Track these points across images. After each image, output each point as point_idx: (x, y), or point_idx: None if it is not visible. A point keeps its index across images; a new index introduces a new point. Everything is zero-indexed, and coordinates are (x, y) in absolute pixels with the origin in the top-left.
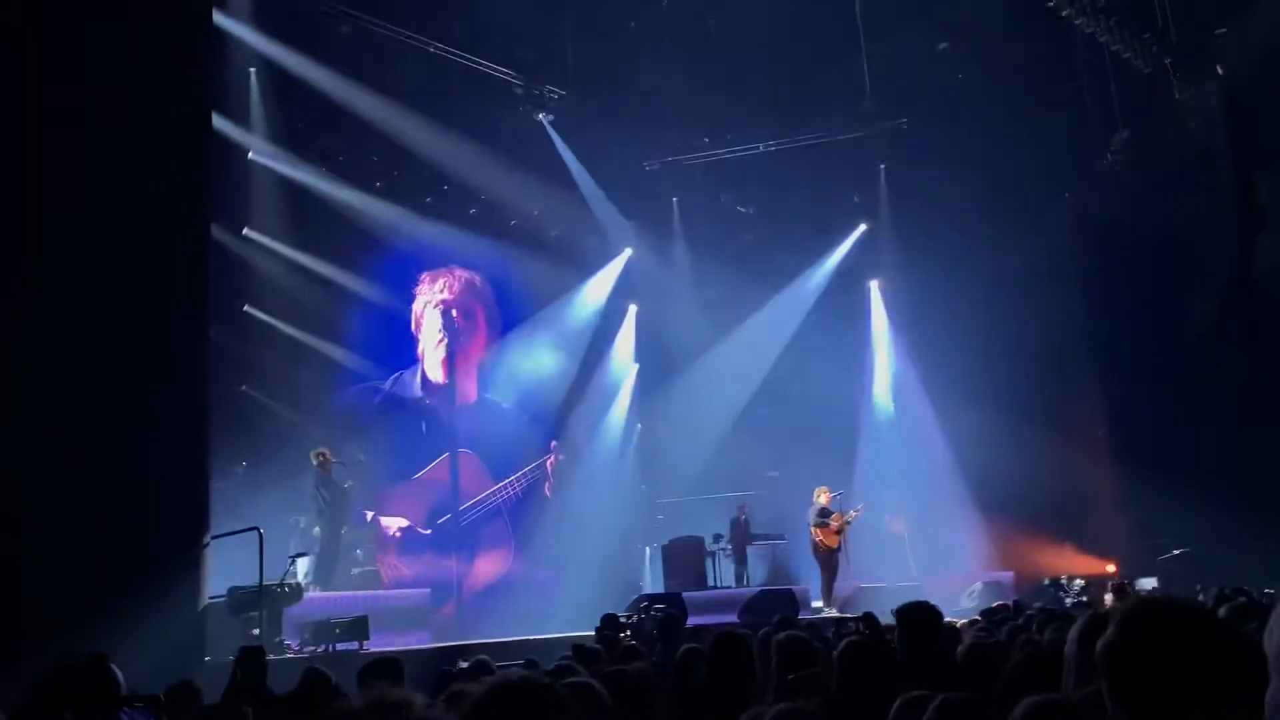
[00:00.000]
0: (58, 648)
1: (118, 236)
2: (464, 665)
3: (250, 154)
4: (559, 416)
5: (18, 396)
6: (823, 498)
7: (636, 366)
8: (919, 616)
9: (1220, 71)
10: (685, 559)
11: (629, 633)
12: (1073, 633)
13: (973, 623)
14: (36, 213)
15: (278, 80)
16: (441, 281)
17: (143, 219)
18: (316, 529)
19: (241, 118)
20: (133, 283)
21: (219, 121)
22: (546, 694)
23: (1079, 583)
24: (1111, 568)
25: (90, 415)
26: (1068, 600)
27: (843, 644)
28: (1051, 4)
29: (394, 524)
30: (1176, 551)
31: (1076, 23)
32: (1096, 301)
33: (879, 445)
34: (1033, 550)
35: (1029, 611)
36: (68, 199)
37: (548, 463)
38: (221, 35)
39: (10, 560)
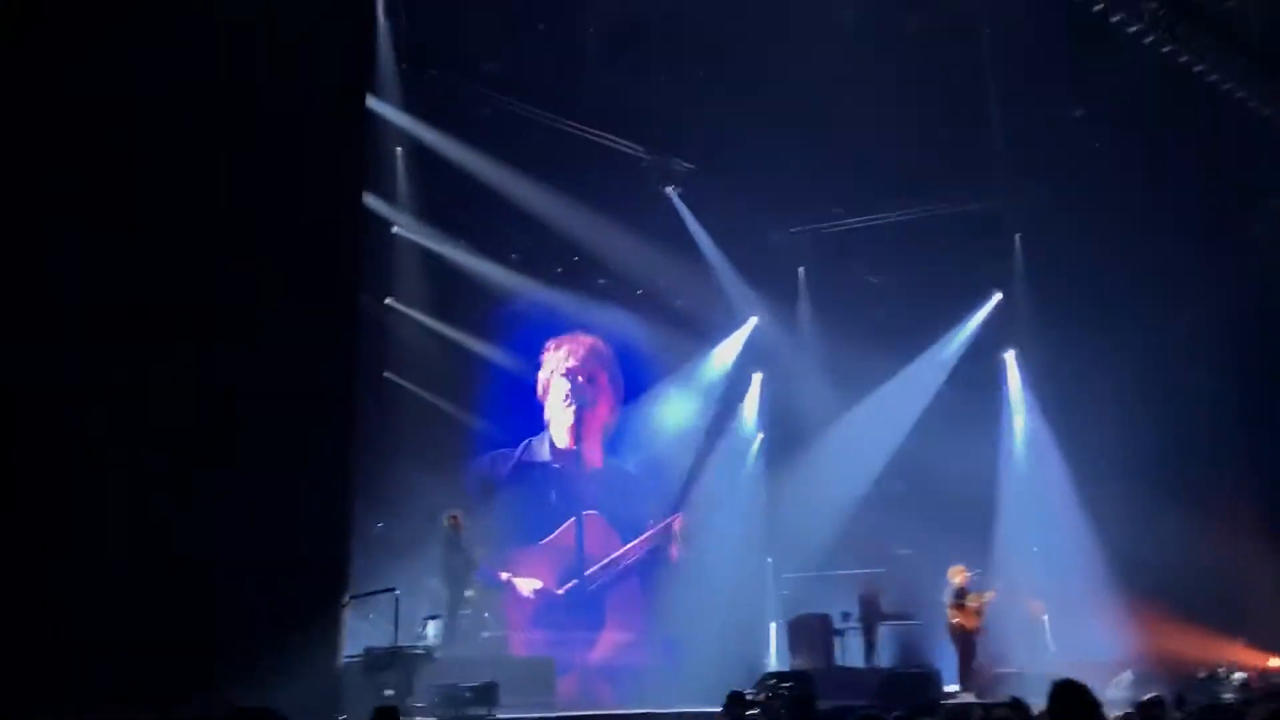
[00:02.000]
0: (199, 700)
1: (282, 303)
2: None
3: (395, 228)
4: (685, 483)
5: (181, 443)
6: (959, 578)
7: (761, 435)
8: (1076, 697)
9: None
10: (812, 636)
11: (758, 711)
12: None
13: (1126, 716)
14: (208, 271)
15: (422, 158)
16: (566, 348)
17: (303, 285)
18: (444, 594)
19: (388, 194)
20: (292, 348)
21: (367, 198)
22: None
23: (1239, 676)
24: (1276, 661)
25: (246, 470)
26: (1226, 695)
27: None
28: (1198, 69)
29: (528, 586)
30: None
31: (1224, 88)
32: (1251, 377)
33: (1016, 524)
34: (1185, 641)
35: (1189, 706)
36: (239, 266)
37: (674, 524)
38: (372, 116)
39: (156, 606)
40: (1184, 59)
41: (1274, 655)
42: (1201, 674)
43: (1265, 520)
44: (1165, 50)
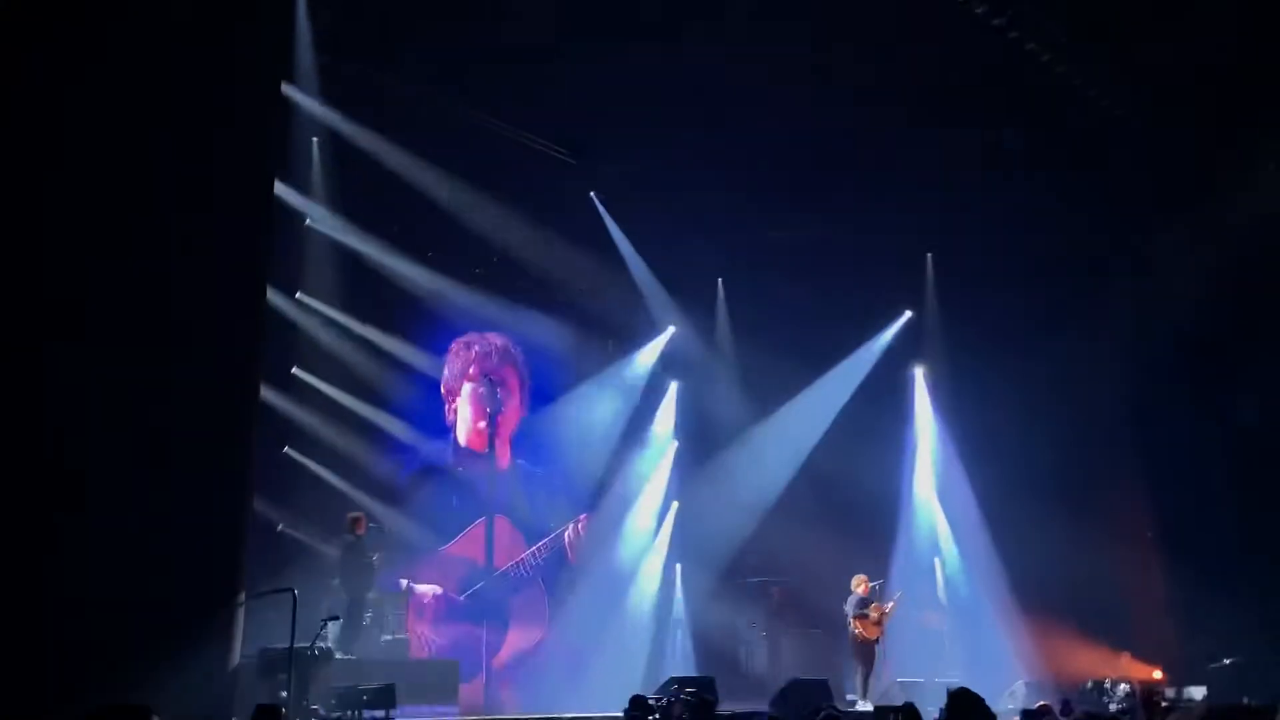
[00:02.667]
0: (90, 699)
1: (177, 291)
2: None
3: (308, 220)
4: (596, 488)
5: (78, 437)
6: (861, 588)
7: (675, 444)
8: (971, 705)
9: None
10: (717, 643)
11: (657, 716)
12: None
13: None
14: (87, 260)
15: (339, 152)
16: (476, 349)
17: (202, 276)
18: (343, 595)
19: (302, 185)
20: (196, 340)
21: (280, 188)
22: None
23: (1124, 687)
24: (1159, 674)
25: (134, 468)
26: (1111, 706)
27: None
28: (1092, 93)
29: (428, 590)
30: (1227, 661)
31: (1115, 113)
32: (1148, 398)
33: (918, 536)
34: (1076, 653)
35: (1075, 715)
36: (146, 256)
37: (565, 534)
38: (288, 105)
39: (46, 608)
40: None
41: (1157, 668)
42: (1089, 685)
43: (1155, 540)
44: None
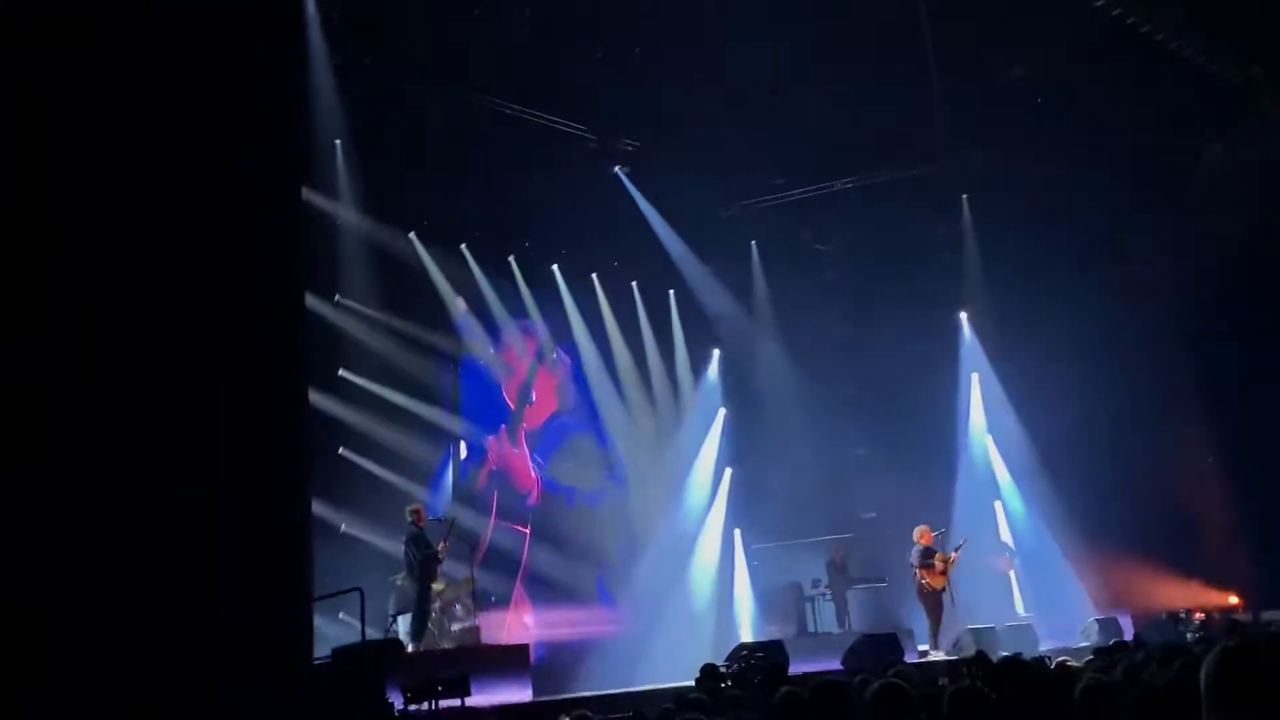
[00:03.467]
0: (167, 712)
1: (219, 306)
2: None
3: (339, 221)
4: (647, 464)
5: (132, 446)
6: (924, 538)
7: (723, 411)
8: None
9: None
10: (784, 605)
11: (730, 682)
12: (1207, 666)
13: (1089, 662)
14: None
15: (362, 149)
16: (518, 347)
17: (241, 286)
18: (411, 588)
19: (329, 188)
20: (235, 351)
21: (310, 193)
22: None
23: (1199, 616)
24: (1235, 599)
25: (193, 484)
26: (1187, 635)
27: (950, 691)
28: (1131, 20)
29: None
30: None
31: (1158, 38)
32: (1202, 320)
33: (978, 481)
34: (1147, 585)
35: (1148, 649)
36: (170, 269)
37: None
38: (309, 108)
39: (113, 626)
40: (1116, 12)
41: (1230, 593)
42: (1163, 616)
43: (1219, 463)
44: (1099, 4)
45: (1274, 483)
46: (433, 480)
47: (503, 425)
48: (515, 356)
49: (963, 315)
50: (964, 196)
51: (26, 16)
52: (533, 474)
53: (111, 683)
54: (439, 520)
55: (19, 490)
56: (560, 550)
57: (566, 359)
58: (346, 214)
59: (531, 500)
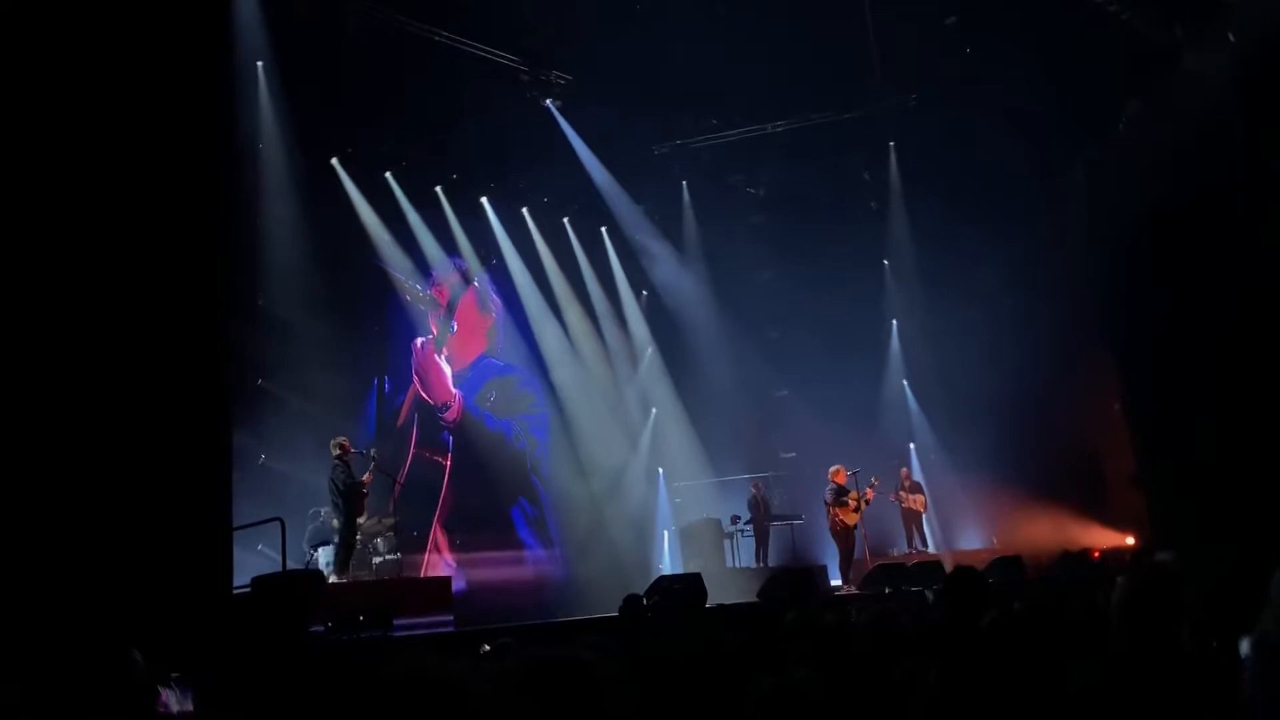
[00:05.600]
0: (84, 641)
1: (136, 230)
2: (487, 648)
3: (260, 145)
4: (576, 400)
5: (37, 389)
6: (839, 477)
7: (650, 350)
8: (970, 581)
9: (1233, 39)
10: (703, 541)
11: (650, 614)
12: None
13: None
14: (40, 209)
15: (286, 74)
16: (446, 281)
17: (174, 202)
18: (335, 520)
19: (250, 111)
20: (155, 282)
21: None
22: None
23: (1096, 555)
24: (1131, 540)
25: (108, 411)
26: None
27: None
28: None
29: None
30: None
31: None
32: (1113, 273)
33: (895, 423)
34: (1051, 525)
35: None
36: (84, 193)
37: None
38: (232, 29)
39: (34, 558)
40: None
41: (1129, 534)
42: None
43: (1123, 409)
44: None
45: (1173, 428)
46: (358, 414)
47: (432, 335)
48: (444, 291)
49: (885, 262)
50: (891, 144)
51: None
52: (452, 390)
53: (37, 614)
54: (363, 454)
55: None
56: (480, 485)
57: (498, 301)
58: (269, 139)
59: (451, 415)
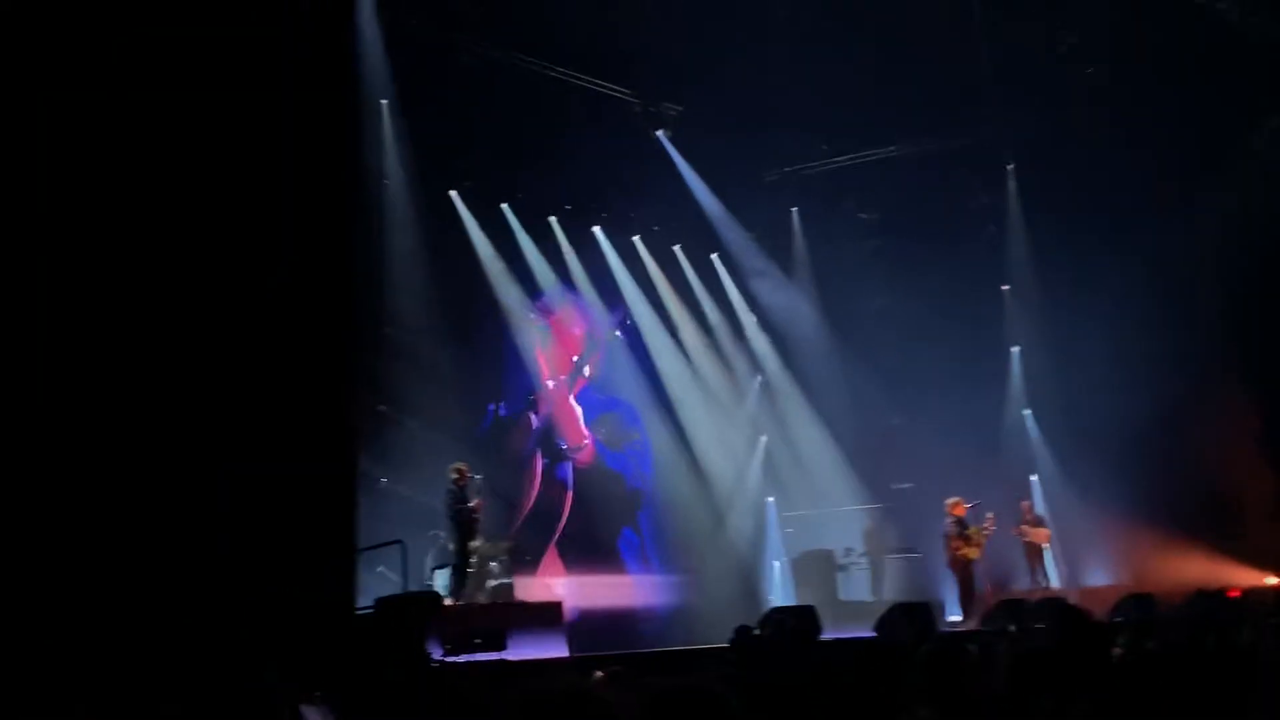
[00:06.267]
0: (208, 664)
1: (273, 262)
2: (600, 675)
3: (385, 180)
4: (680, 431)
5: (178, 415)
6: (957, 510)
7: (759, 378)
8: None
9: None
10: (815, 572)
11: (763, 645)
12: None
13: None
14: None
15: (408, 111)
16: (563, 314)
17: (297, 245)
18: (450, 544)
19: (376, 148)
20: (282, 310)
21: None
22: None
23: (1235, 594)
24: (1273, 579)
25: (242, 436)
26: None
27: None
28: None
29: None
30: None
31: (1215, 8)
32: (1249, 295)
33: (1016, 454)
34: (1184, 562)
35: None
36: (225, 229)
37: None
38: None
39: (173, 582)
40: None
41: (1271, 573)
42: (1197, 594)
43: (1262, 436)
44: None
45: None
46: (474, 438)
47: (562, 377)
48: (560, 323)
49: (1005, 288)
50: (1009, 167)
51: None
52: (585, 432)
53: (169, 632)
54: (476, 479)
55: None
56: (593, 514)
57: (613, 321)
58: (393, 175)
59: (584, 457)
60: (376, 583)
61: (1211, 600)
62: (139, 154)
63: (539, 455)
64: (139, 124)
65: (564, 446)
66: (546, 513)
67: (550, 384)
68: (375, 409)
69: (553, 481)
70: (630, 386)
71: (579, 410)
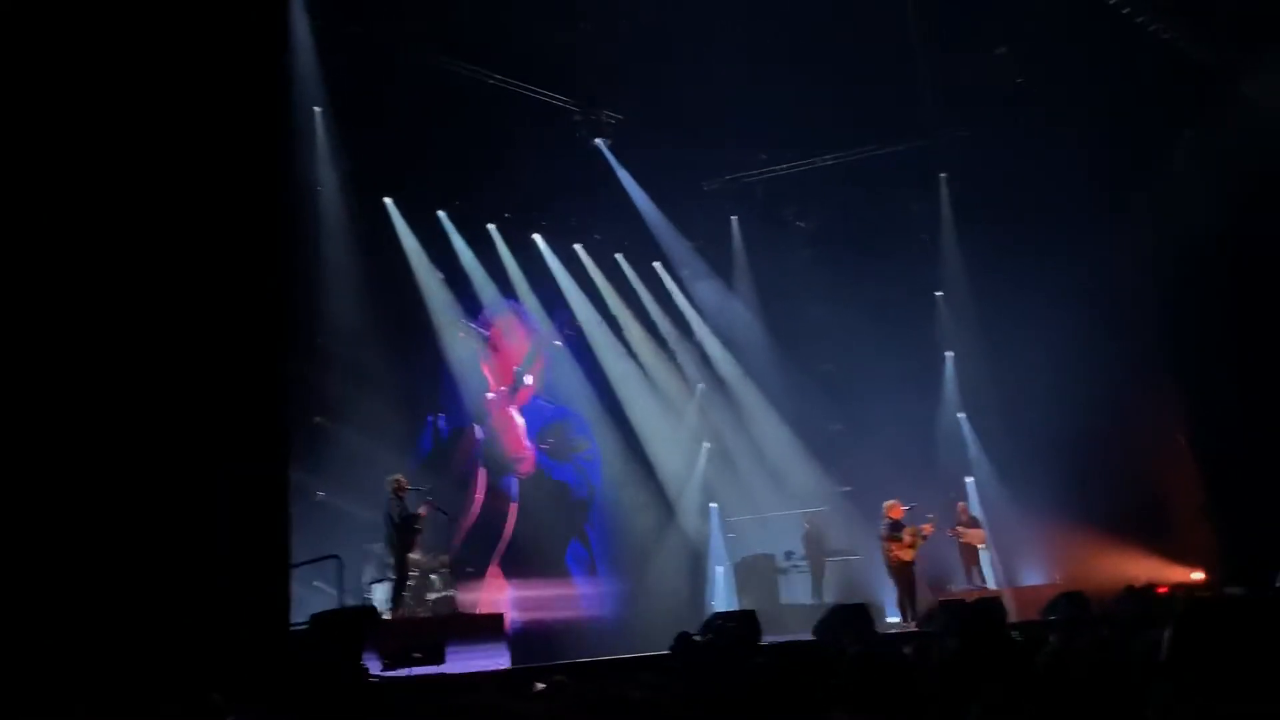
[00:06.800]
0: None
1: (202, 273)
2: (541, 686)
3: (319, 188)
4: (623, 441)
5: (99, 426)
6: (894, 512)
7: (701, 385)
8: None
9: None
10: (757, 577)
11: (703, 652)
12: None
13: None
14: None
15: (342, 118)
16: (503, 324)
17: (222, 255)
18: (389, 556)
19: (309, 156)
20: (215, 317)
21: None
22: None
23: (1163, 590)
24: (1199, 575)
25: (170, 449)
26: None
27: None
28: (1114, 0)
29: None
30: None
31: (1140, 19)
32: (1176, 302)
33: (950, 456)
34: (1115, 560)
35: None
36: (149, 238)
37: None
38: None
39: (99, 597)
40: None
41: (1195, 569)
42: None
43: (1189, 441)
44: None
45: (1241, 460)
46: (413, 450)
47: (502, 388)
48: (500, 334)
49: (938, 294)
50: (942, 175)
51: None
52: (525, 443)
53: (97, 650)
54: (418, 490)
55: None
56: (536, 524)
57: (553, 331)
58: (326, 182)
59: (525, 468)
60: (313, 598)
61: (1141, 597)
62: (73, 158)
63: (481, 468)
64: (70, 129)
65: (504, 456)
66: (490, 525)
67: (490, 395)
68: (311, 421)
69: (497, 494)
70: (578, 395)
71: (520, 421)
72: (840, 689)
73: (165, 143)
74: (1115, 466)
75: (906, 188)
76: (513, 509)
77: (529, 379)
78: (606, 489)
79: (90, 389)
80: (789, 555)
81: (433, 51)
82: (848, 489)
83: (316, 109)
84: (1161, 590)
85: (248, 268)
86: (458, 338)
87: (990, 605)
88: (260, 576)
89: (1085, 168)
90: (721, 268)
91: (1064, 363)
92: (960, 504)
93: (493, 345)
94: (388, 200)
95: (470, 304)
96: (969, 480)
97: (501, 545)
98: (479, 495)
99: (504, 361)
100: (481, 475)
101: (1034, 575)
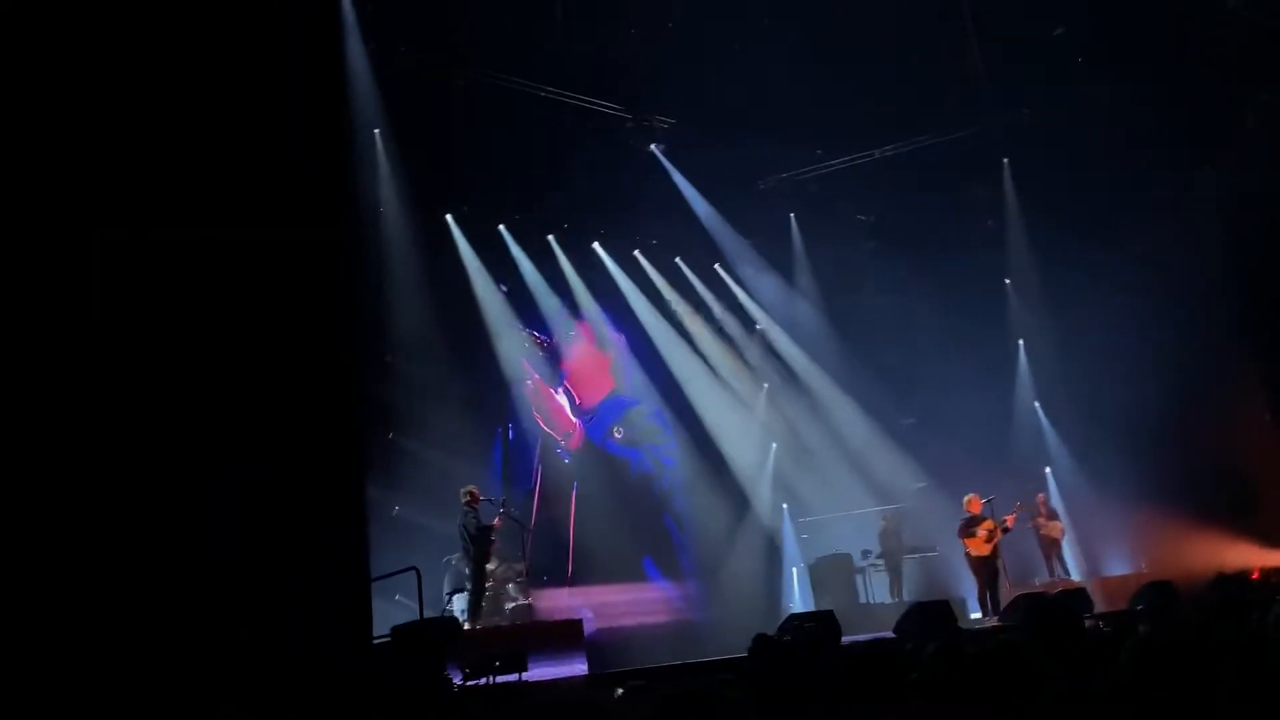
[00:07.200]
0: (229, 696)
1: (273, 300)
2: (621, 692)
3: (381, 209)
4: (693, 442)
5: (184, 453)
6: (972, 506)
7: (766, 386)
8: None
9: None
10: (834, 577)
11: (782, 652)
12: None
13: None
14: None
15: (401, 138)
16: (562, 327)
17: (288, 276)
18: (465, 567)
19: (370, 177)
20: (288, 341)
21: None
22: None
23: (1256, 576)
24: None
25: (252, 472)
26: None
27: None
28: None
29: None
30: None
31: None
32: (1251, 276)
33: (1027, 447)
34: (1202, 546)
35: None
36: (223, 268)
37: None
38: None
39: (172, 613)
40: None
41: None
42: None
43: (1273, 413)
44: None
45: None
46: (486, 462)
47: (536, 377)
48: (558, 338)
49: (1007, 281)
50: (1004, 160)
51: (48, 17)
52: (573, 419)
53: (182, 666)
54: (491, 501)
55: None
56: (611, 525)
57: (620, 336)
58: (388, 202)
59: (573, 444)
60: (395, 611)
61: (1233, 583)
62: (148, 170)
63: (539, 470)
64: (144, 142)
65: (554, 440)
66: (556, 527)
67: (529, 383)
68: (385, 437)
69: (556, 493)
70: (646, 398)
71: (564, 401)
72: (920, 683)
73: (230, 173)
74: (1197, 449)
75: (968, 174)
76: (571, 507)
77: (566, 371)
78: (683, 487)
79: (172, 414)
80: (866, 554)
81: (483, 68)
82: (923, 484)
83: (375, 131)
84: (1254, 576)
85: (317, 291)
86: (523, 348)
87: (1072, 597)
88: (343, 591)
89: (1150, 145)
90: (782, 265)
91: (1138, 344)
92: (1039, 495)
93: (556, 350)
94: (448, 216)
95: (532, 314)
96: (1047, 470)
97: (572, 547)
98: (535, 499)
99: (581, 374)
100: (538, 479)
101: (1120, 565)
